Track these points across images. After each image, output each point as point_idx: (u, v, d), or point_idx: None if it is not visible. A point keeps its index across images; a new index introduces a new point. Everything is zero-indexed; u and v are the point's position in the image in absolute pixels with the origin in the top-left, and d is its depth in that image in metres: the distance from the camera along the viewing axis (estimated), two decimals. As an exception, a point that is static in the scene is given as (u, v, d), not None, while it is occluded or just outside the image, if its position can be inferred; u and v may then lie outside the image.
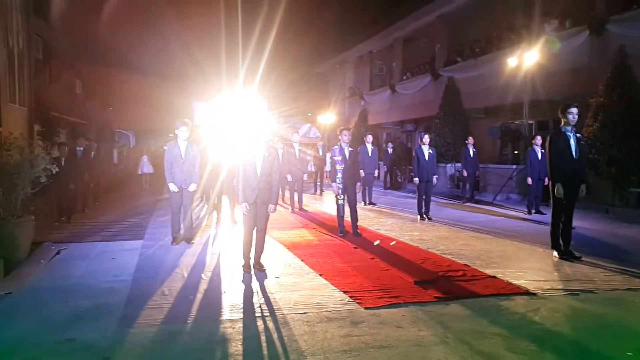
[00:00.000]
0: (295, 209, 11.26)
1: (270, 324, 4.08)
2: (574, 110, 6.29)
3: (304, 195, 11.98)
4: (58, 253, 6.68)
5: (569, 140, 6.29)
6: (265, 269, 5.75)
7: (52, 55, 20.62)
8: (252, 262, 5.81)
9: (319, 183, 15.70)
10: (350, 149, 7.90)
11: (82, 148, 10.89)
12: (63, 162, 9.28)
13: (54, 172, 6.85)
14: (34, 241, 6.70)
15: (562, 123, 6.39)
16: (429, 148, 9.79)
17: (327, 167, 17.27)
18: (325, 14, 25.74)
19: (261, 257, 5.89)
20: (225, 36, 19.22)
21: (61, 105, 20.22)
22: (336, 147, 8.03)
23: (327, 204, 13.10)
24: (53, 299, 4.65)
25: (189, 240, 7.41)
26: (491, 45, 16.67)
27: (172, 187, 7.20)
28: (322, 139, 20.84)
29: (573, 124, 6.33)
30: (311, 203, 12.87)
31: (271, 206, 5.78)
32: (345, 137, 7.86)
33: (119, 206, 12.40)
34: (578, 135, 6.37)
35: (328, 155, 17.37)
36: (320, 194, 15.34)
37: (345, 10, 24.75)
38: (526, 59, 12.58)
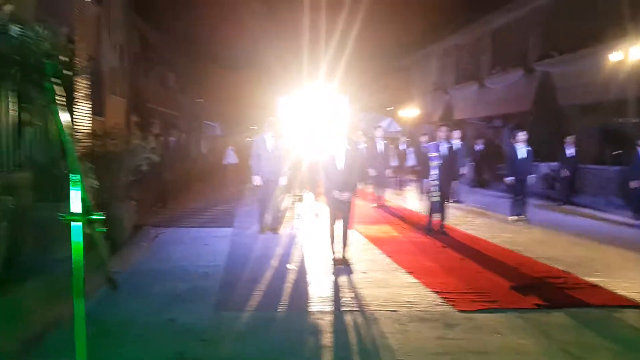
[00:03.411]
0: (377, 204, 11.12)
1: (360, 320, 4.02)
2: None
3: (385, 190, 11.80)
4: (157, 237, 7.11)
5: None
6: (351, 264, 5.70)
7: (149, 49, 21.98)
8: (339, 255, 5.78)
9: (400, 179, 15.40)
10: (447, 145, 7.63)
11: (175, 139, 11.49)
12: (159, 152, 9.84)
13: (153, 160, 7.27)
14: (135, 224, 7.16)
15: None
16: (525, 146, 9.18)
17: (409, 163, 16.94)
18: (410, 7, 25.16)
19: (347, 251, 5.85)
20: (309, 31, 19.39)
21: (155, 97, 21.52)
22: (433, 143, 7.78)
23: (409, 200, 12.84)
24: (154, 280, 4.93)
25: (274, 231, 7.56)
26: (592, 38, 15.35)
27: (257, 180, 7.38)
28: (404, 134, 20.43)
29: None
30: (393, 199, 12.65)
31: (347, 194, 5.69)
32: (443, 133, 7.61)
33: (208, 194, 12.99)
34: None
35: (410, 150, 17.04)
36: (402, 190, 15.05)
37: (431, 2, 24.01)
38: (632, 53, 11.45)
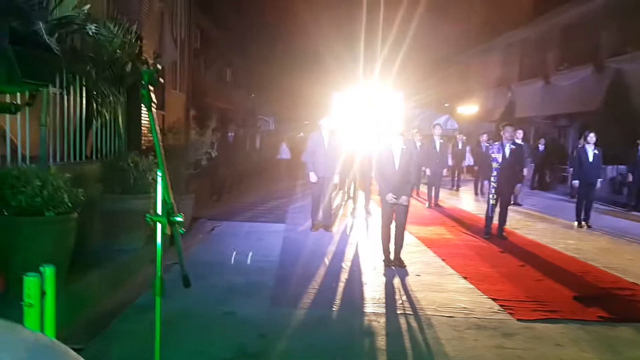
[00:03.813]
0: (431, 204, 10.91)
1: (414, 323, 3.96)
2: None
3: (440, 190, 11.55)
4: (212, 230, 7.32)
5: None
6: (405, 265, 5.62)
7: (208, 44, 22.57)
8: (392, 256, 5.72)
9: (456, 178, 15.02)
10: (512, 146, 7.32)
11: (232, 134, 11.73)
12: (216, 146, 10.10)
13: (213, 156, 7.47)
14: (192, 217, 7.40)
15: None
16: (594, 148, 8.68)
17: (466, 162, 16.49)
18: (469, 1, 24.39)
19: (401, 252, 5.77)
20: (366, 24, 19.22)
21: (213, 91, 22.10)
22: (496, 143, 7.52)
23: (464, 201, 12.51)
24: (211, 272, 5.06)
25: (327, 228, 7.58)
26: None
27: (313, 177, 7.41)
28: (461, 132, 19.88)
29: None
30: (447, 199, 12.36)
31: (404, 197, 5.60)
32: (508, 133, 7.32)
33: (261, 189, 13.23)
34: None
35: (467, 149, 16.58)
36: (457, 190, 14.68)
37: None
38: None
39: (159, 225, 2.03)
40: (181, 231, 2.09)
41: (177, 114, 13.19)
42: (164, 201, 1.98)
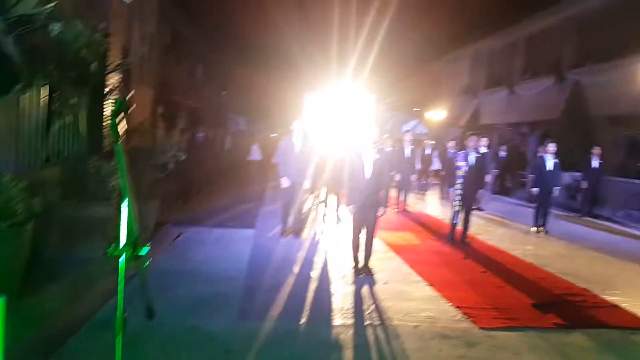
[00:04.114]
0: (399, 209, 11.10)
1: (382, 334, 4.04)
2: None
3: (408, 194, 11.74)
4: (179, 236, 7.20)
5: None
6: (374, 273, 5.71)
7: (178, 40, 22.11)
8: (361, 264, 5.80)
9: (423, 182, 15.30)
10: (477, 154, 7.55)
11: (202, 135, 11.58)
12: (185, 148, 9.96)
13: (181, 159, 7.37)
14: (157, 222, 7.25)
15: None
16: (554, 157, 9.04)
17: (434, 166, 16.80)
18: (442, 8, 24.82)
19: (370, 260, 5.86)
20: (338, 27, 19.30)
21: (182, 89, 21.68)
22: (461, 152, 7.71)
23: (430, 205, 12.77)
24: (177, 283, 5.00)
25: (297, 234, 7.61)
26: (626, 49, 14.96)
27: (284, 182, 7.41)
28: (429, 137, 20.26)
29: None
30: (415, 203, 12.59)
31: (381, 209, 5.71)
32: (472, 142, 7.53)
33: (231, 191, 13.07)
34: None
35: (435, 154, 16.91)
36: (424, 194, 14.96)
37: (465, 4, 23.64)
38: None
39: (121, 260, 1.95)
40: (146, 263, 2.05)
41: (144, 110, 12.88)
42: (129, 232, 1.94)
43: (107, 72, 6.37)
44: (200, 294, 4.72)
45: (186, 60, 22.75)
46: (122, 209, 1.93)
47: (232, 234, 7.54)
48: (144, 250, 1.99)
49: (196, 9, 21.66)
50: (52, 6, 4.24)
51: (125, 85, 9.89)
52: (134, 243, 1.96)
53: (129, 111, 2.00)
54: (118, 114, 1.91)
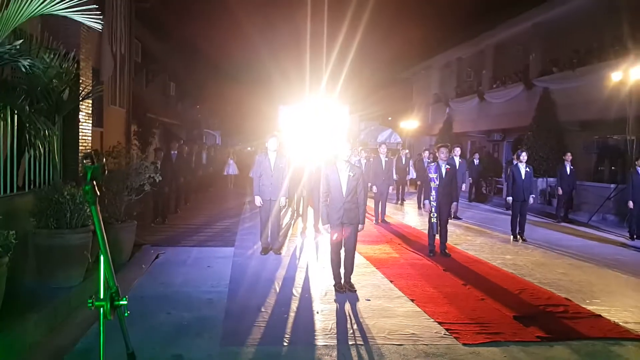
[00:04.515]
0: (379, 221, 11.15)
1: (366, 355, 4.02)
2: None
3: (386, 206, 11.81)
4: (157, 257, 7.06)
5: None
6: (355, 290, 5.70)
7: (150, 58, 21.97)
8: (342, 280, 5.78)
9: (400, 192, 15.43)
10: (447, 166, 7.65)
11: (176, 152, 11.44)
12: (159, 166, 9.79)
13: (157, 180, 7.25)
14: (134, 244, 7.12)
15: None
16: (526, 166, 9.25)
17: (409, 176, 16.97)
18: (412, 20, 25.30)
19: (351, 276, 5.85)
20: (311, 40, 19.43)
21: (156, 106, 21.49)
22: (433, 164, 7.81)
23: (409, 216, 12.86)
24: (157, 309, 4.88)
25: (277, 251, 7.55)
26: (592, 56, 15.50)
27: (258, 201, 7.36)
28: (404, 145, 20.49)
29: None
30: (393, 214, 12.67)
31: (360, 226, 5.73)
32: (443, 154, 7.63)
33: (208, 208, 12.95)
34: None
35: (411, 162, 17.09)
36: (402, 204, 15.08)
37: (433, 16, 24.18)
38: (632, 72, 11.59)
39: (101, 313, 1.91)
40: (126, 314, 2.01)
41: (117, 130, 12.68)
42: (106, 284, 1.90)
43: (80, 98, 6.27)
44: (181, 319, 4.62)
45: (159, 78, 22.58)
46: (100, 264, 1.89)
47: (211, 253, 7.43)
48: (123, 301, 1.95)
49: (167, 27, 21.55)
50: (20, 42, 4.16)
51: (96, 104, 9.74)
52: (112, 295, 1.92)
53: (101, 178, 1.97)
54: (92, 180, 1.88)
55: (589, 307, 5.35)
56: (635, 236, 9.87)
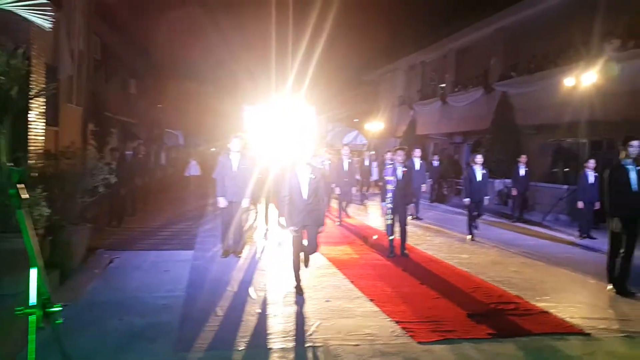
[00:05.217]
0: (341, 222, 11.21)
1: (322, 356, 4.03)
2: (636, 143, 6.09)
3: (349, 207, 11.90)
4: (111, 262, 6.85)
5: (628, 174, 6.06)
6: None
7: (110, 55, 21.37)
8: (302, 283, 5.79)
9: (364, 193, 15.57)
10: (404, 169, 7.77)
11: (131, 152, 11.13)
12: (114, 167, 9.52)
13: (112, 182, 7.05)
14: (88, 248, 6.90)
15: (623, 156, 6.15)
16: (482, 168, 9.53)
17: (373, 177, 17.17)
18: (378, 23, 25.63)
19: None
20: (276, 41, 19.39)
21: (115, 104, 20.90)
22: (389, 166, 7.90)
23: (371, 217, 12.98)
24: (109, 315, 4.75)
25: (237, 254, 7.48)
26: (548, 61, 16.11)
27: (222, 202, 7.27)
28: (369, 147, 20.69)
29: (633, 157, 6.08)
30: (356, 215, 12.77)
31: (320, 227, 5.76)
32: (400, 157, 7.74)
33: (167, 210, 12.68)
34: (639, 168, 6.08)
35: (374, 164, 17.29)
36: (365, 205, 15.21)
37: (398, 19, 24.57)
38: (584, 78, 12.12)
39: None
40: (59, 321, 1.94)
41: (74, 128, 12.26)
42: (39, 292, 1.83)
43: (30, 96, 6.03)
44: (134, 325, 4.50)
45: (118, 75, 22.00)
46: (30, 273, 1.82)
47: (169, 257, 7.27)
48: (56, 307, 1.87)
49: (127, 23, 21.04)
50: None
51: (51, 102, 9.38)
52: (44, 302, 1.85)
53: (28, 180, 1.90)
54: (17, 183, 1.82)
55: (539, 304, 5.54)
56: (585, 235, 10.28)
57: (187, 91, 29.35)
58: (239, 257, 7.42)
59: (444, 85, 22.57)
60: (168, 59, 26.21)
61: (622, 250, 6.08)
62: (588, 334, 4.67)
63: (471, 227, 9.71)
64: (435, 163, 16.67)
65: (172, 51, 25.51)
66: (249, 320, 4.80)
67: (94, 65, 19.19)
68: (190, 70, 27.61)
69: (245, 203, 7.42)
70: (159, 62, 25.52)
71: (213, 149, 20.28)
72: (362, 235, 9.85)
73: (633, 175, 6.03)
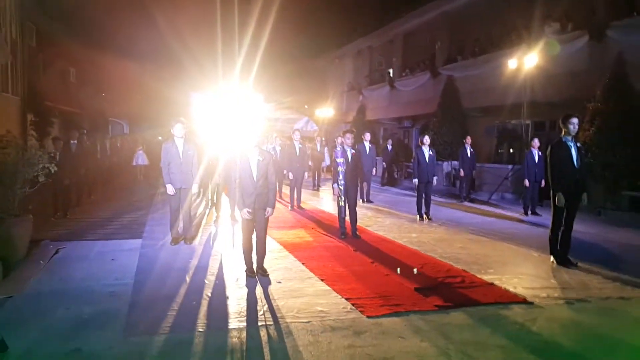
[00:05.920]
0: (294, 207, 11.27)
1: (275, 334, 4.10)
2: (575, 120, 6.39)
3: (301, 192, 11.96)
4: (57, 252, 6.62)
5: (570, 150, 6.36)
6: (268, 274, 5.76)
7: (46, 42, 20.32)
8: (255, 266, 5.81)
9: (316, 179, 15.69)
10: (352, 151, 7.92)
11: (75, 141, 10.70)
12: (58, 157, 9.14)
13: (52, 171, 6.78)
14: (31, 239, 6.64)
15: (563, 133, 6.46)
16: (429, 149, 9.83)
17: (325, 163, 17.31)
18: (325, 8, 25.59)
19: (264, 261, 5.89)
20: (222, 27, 19.03)
21: (55, 94, 19.97)
22: (338, 148, 8.02)
23: (324, 201, 13.12)
24: (55, 305, 4.61)
25: (188, 241, 7.40)
26: (491, 45, 16.68)
27: (170, 189, 7.15)
28: (320, 133, 20.79)
29: (573, 134, 6.41)
30: (309, 200, 12.87)
31: (269, 209, 5.76)
32: (349, 140, 7.87)
33: (115, 200, 12.33)
34: (578, 144, 6.45)
35: (326, 149, 17.42)
36: (318, 190, 15.34)
37: (346, 4, 24.63)
38: (526, 60, 12.63)
39: None
40: None
41: (11, 119, 11.68)
42: None
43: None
44: (82, 314, 4.39)
45: (57, 64, 20.98)
46: None
47: (117, 246, 7.09)
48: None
49: (66, 8, 20.03)
50: None
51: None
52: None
53: None
54: None
55: (484, 277, 5.83)
56: (529, 212, 10.84)
57: (132, 79, 28.36)
58: (189, 243, 7.34)
59: (391, 70, 22.92)
60: (111, 46, 25.18)
61: (563, 224, 6.46)
62: (531, 303, 4.95)
63: (420, 207, 10.01)
64: (389, 147, 17.00)
65: (113, 35, 24.52)
66: (202, 303, 4.79)
67: (29, 54, 18.21)
68: (134, 57, 26.65)
69: (194, 188, 7.32)
70: (101, 49, 24.46)
71: (160, 138, 19.75)
72: (315, 219, 9.96)
73: (574, 152, 6.34)
